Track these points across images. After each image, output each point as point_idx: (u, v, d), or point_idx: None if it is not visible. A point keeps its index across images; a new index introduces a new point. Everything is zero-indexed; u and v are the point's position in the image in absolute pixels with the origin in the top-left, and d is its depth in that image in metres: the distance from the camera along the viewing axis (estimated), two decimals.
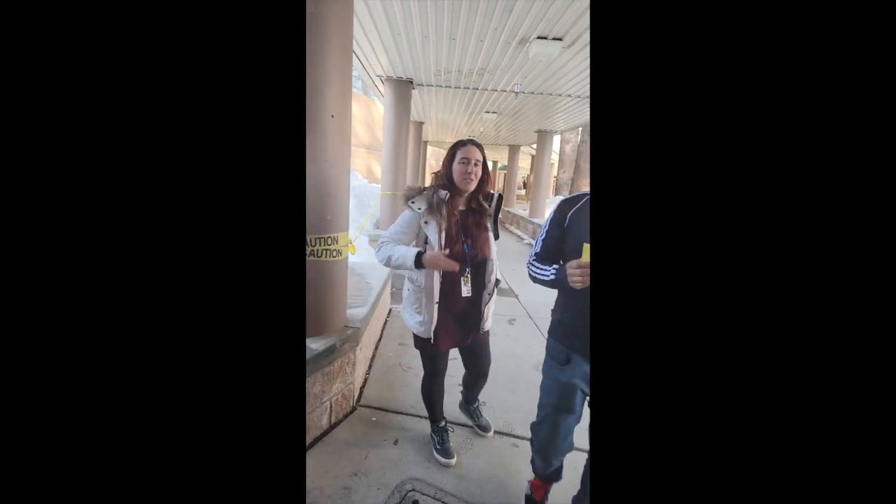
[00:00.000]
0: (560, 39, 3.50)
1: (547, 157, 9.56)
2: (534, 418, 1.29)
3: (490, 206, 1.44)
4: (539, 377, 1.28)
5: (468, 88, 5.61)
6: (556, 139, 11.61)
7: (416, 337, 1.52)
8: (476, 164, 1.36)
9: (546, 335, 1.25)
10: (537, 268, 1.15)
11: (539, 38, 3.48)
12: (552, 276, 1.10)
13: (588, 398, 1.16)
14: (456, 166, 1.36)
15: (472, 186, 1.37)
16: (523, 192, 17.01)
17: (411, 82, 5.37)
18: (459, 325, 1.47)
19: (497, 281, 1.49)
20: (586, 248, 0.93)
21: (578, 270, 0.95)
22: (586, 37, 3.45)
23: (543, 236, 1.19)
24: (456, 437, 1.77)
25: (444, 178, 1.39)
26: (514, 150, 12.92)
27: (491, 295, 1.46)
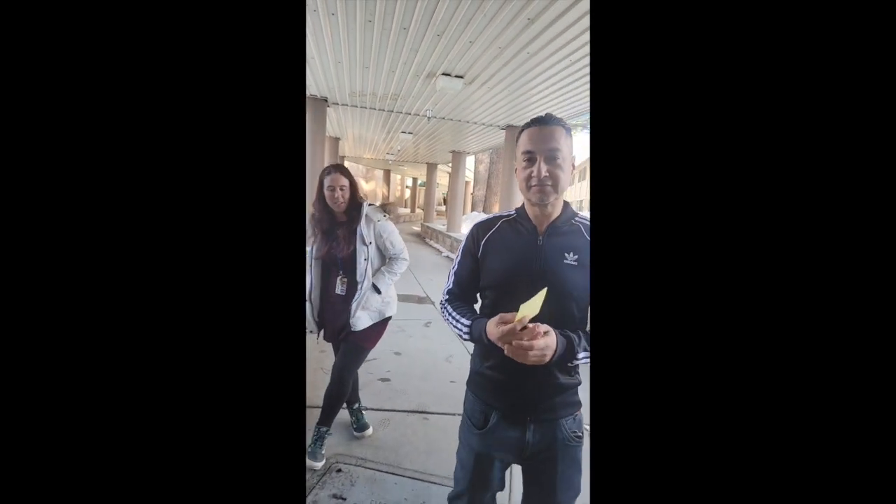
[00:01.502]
0: (461, 77, 4.05)
1: (461, 176, 10.31)
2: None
3: (359, 214, 1.65)
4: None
5: (383, 110, 5.97)
6: (471, 160, 12.54)
7: None
8: (343, 189, 1.60)
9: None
10: (449, 313, 0.93)
11: (444, 74, 3.99)
12: (466, 335, 0.86)
13: (509, 468, 0.96)
14: (326, 192, 1.60)
15: (343, 206, 1.62)
16: (443, 208, 17.84)
17: (326, 100, 5.55)
18: (334, 320, 1.70)
19: (374, 286, 1.65)
20: (524, 307, 0.69)
21: (501, 329, 0.72)
22: (485, 75, 4.05)
23: (455, 268, 0.98)
24: (374, 416, 2.02)
25: (319, 202, 1.64)
26: (432, 167, 13.58)
27: (362, 293, 1.63)
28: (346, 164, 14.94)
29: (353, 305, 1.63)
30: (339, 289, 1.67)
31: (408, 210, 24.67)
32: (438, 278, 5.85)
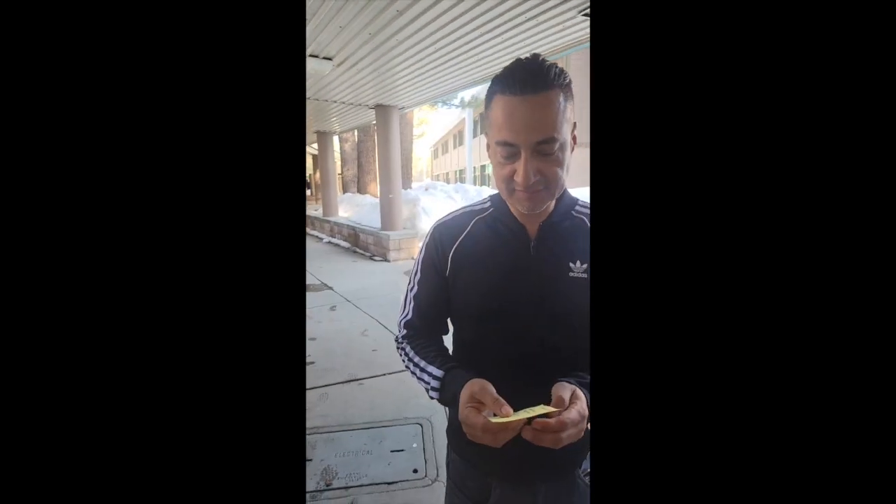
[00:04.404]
0: (330, 59, 4.03)
1: (330, 157, 9.96)
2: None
3: None
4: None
5: None
6: (335, 140, 12.10)
7: None
8: None
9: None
10: (409, 357, 0.67)
11: (311, 56, 3.91)
12: (434, 394, 0.61)
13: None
14: None
15: None
16: (309, 192, 16.77)
17: None
18: None
19: None
20: (518, 414, 0.48)
21: (482, 422, 0.49)
22: (354, 58, 4.11)
23: (414, 289, 0.70)
24: (312, 395, 2.17)
25: None
26: None
27: None
28: None
29: None
30: None
31: None
32: (328, 265, 5.83)
